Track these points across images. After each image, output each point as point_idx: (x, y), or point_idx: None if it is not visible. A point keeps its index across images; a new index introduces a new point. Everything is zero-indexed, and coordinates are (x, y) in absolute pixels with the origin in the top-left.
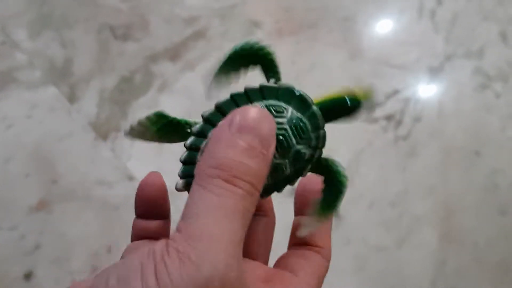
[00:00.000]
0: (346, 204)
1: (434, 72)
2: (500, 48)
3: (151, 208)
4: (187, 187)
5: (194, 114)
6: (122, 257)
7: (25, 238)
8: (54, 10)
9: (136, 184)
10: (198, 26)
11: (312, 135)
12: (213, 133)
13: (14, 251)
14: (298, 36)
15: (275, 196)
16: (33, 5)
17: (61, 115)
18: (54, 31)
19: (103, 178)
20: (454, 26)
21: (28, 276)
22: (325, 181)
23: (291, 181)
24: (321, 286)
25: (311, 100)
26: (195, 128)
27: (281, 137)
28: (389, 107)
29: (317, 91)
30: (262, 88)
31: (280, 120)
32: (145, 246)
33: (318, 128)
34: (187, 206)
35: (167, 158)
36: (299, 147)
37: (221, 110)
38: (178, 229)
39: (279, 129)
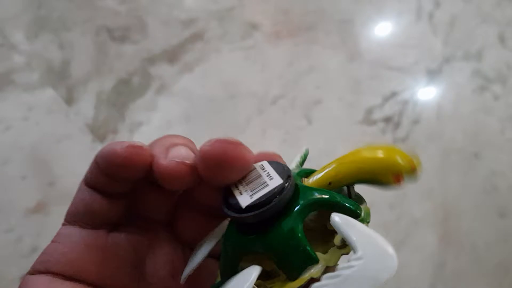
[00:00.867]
0: None
1: (433, 74)
2: (499, 50)
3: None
4: None
5: (192, 116)
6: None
7: (22, 240)
8: (52, 12)
9: None
10: (196, 28)
11: None
12: None
13: (11, 253)
14: (296, 39)
15: None
16: (30, 7)
17: (58, 117)
18: (51, 33)
19: None
20: (453, 28)
21: None
22: None
23: None
24: None
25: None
26: None
27: None
28: (388, 109)
29: (315, 93)
30: None
31: None
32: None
33: None
34: None
35: None
36: None
37: None
38: None
39: None
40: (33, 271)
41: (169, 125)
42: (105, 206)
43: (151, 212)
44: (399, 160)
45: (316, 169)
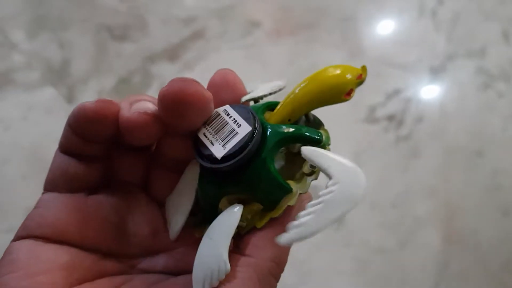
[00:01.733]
0: None
1: (436, 72)
2: (502, 47)
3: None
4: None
5: None
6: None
7: None
8: (52, 11)
9: None
10: (196, 27)
11: None
12: None
13: None
14: (297, 37)
15: None
16: (30, 6)
17: (58, 116)
18: (51, 32)
19: None
20: (456, 25)
21: None
22: None
23: None
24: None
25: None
26: None
27: None
28: (390, 107)
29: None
30: None
31: None
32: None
33: None
34: None
35: None
36: None
37: None
38: None
39: None
40: (16, 238)
41: None
42: (81, 170)
43: (127, 175)
44: (348, 77)
45: (279, 100)
